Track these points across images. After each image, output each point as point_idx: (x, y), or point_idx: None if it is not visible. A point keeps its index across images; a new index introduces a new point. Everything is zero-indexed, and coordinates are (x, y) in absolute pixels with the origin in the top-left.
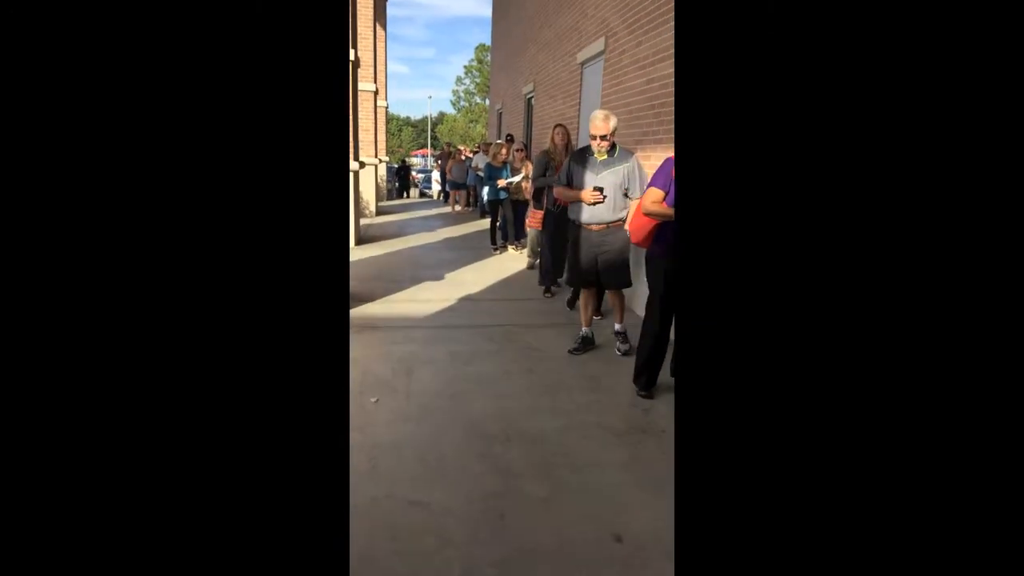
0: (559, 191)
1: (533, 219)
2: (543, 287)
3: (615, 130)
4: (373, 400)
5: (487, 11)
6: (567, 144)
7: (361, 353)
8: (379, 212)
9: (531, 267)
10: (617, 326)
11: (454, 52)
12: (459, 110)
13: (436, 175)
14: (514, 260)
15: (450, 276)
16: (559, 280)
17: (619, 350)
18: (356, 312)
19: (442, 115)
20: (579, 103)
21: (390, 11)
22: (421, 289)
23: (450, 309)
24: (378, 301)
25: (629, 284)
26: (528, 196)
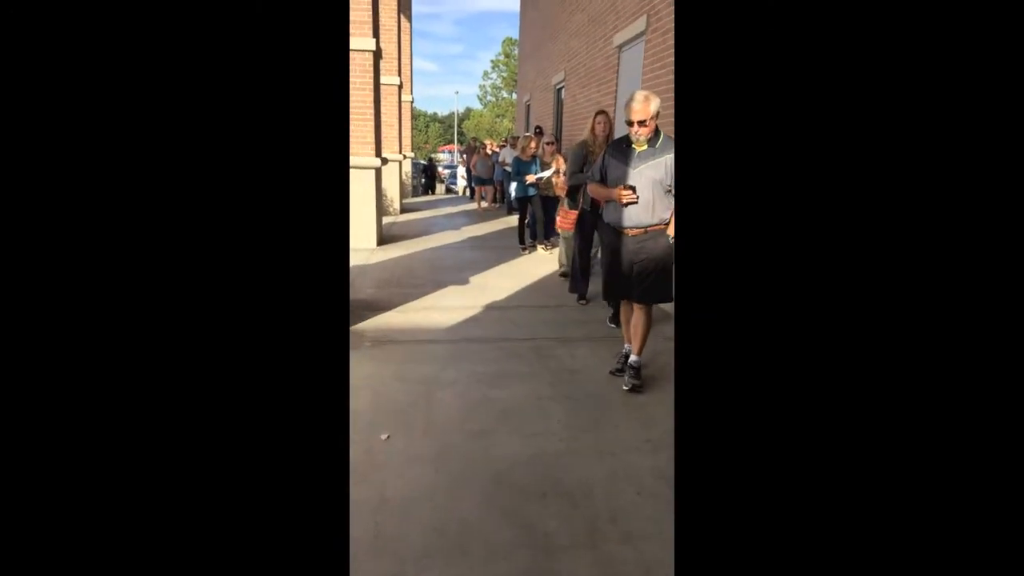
0: (592, 189)
1: (565, 220)
2: (576, 294)
3: (658, 113)
4: (384, 437)
5: (515, 4)
6: (609, 135)
7: (374, 373)
8: (403, 210)
9: (564, 275)
10: (633, 357)
11: (482, 48)
12: (486, 105)
13: (462, 171)
14: (544, 261)
15: (475, 280)
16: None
17: (626, 385)
18: (371, 323)
19: (469, 111)
20: (615, 90)
21: (418, 8)
22: (443, 295)
23: (474, 319)
24: (396, 310)
25: (670, 299)
26: (559, 192)
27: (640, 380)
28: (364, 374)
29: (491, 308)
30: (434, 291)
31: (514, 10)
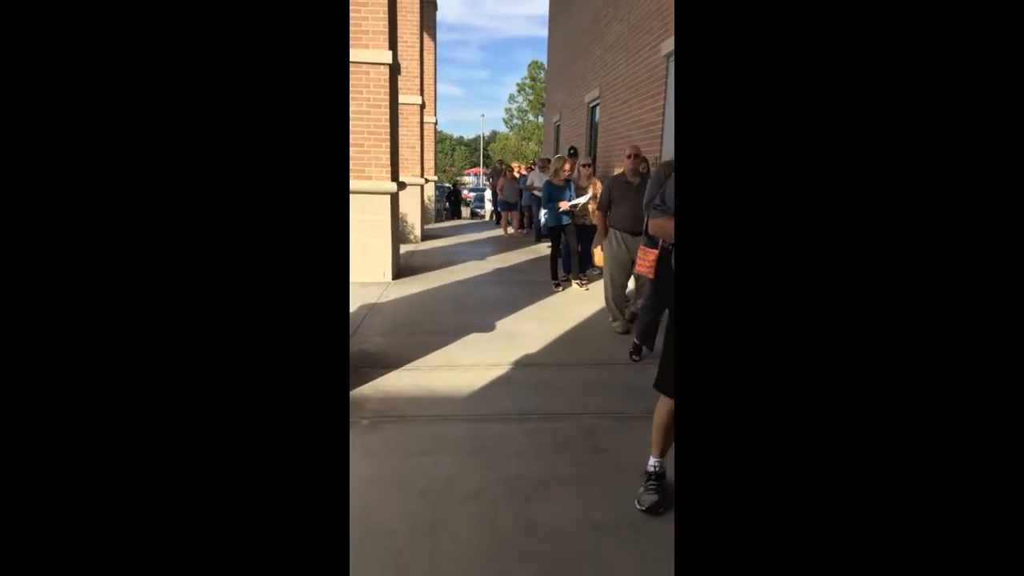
0: (658, 225)
1: (644, 262)
2: (631, 350)
3: None
4: None
5: (541, 31)
6: None
7: (366, 475)
8: (425, 237)
9: (627, 331)
10: (652, 461)
11: (507, 73)
12: (512, 128)
13: (488, 194)
14: (582, 300)
15: (502, 325)
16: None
17: (640, 504)
18: (375, 387)
19: (495, 134)
20: (663, 104)
21: (444, 35)
22: (465, 346)
23: (503, 383)
24: (407, 367)
25: None
26: (595, 220)
27: (658, 496)
28: (353, 476)
29: (523, 365)
30: (454, 340)
31: (539, 35)
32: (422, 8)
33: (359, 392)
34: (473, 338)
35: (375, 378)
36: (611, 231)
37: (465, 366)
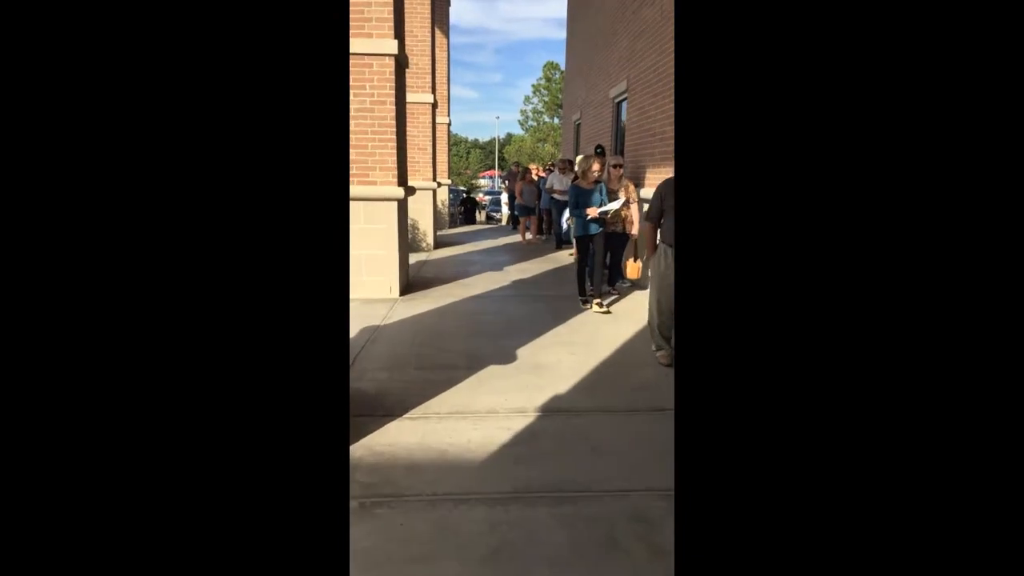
0: None
1: None
2: None
3: None
4: None
5: (556, 33)
6: None
7: None
8: (438, 244)
9: (672, 363)
10: None
11: (522, 76)
12: (527, 130)
13: (505, 197)
14: (614, 320)
15: (524, 354)
16: None
17: None
18: (369, 446)
19: (510, 136)
20: None
21: (459, 38)
22: (480, 385)
23: (528, 439)
24: (410, 415)
25: None
26: (631, 229)
27: None
28: None
29: (552, 413)
30: (467, 376)
31: (554, 37)
32: (433, 0)
33: (351, 453)
34: (490, 372)
35: (371, 431)
36: (661, 246)
37: (480, 413)
